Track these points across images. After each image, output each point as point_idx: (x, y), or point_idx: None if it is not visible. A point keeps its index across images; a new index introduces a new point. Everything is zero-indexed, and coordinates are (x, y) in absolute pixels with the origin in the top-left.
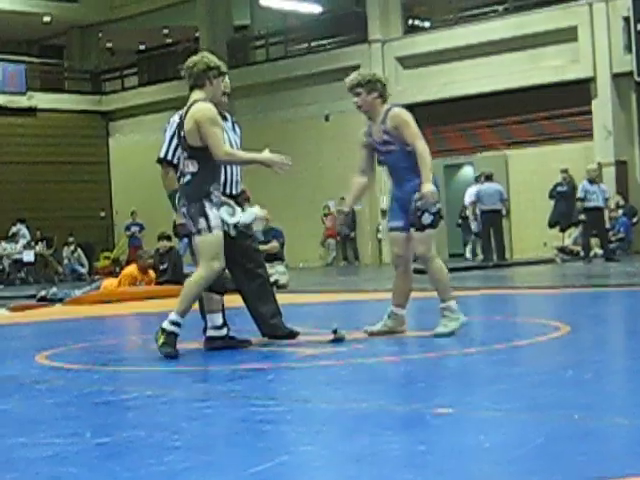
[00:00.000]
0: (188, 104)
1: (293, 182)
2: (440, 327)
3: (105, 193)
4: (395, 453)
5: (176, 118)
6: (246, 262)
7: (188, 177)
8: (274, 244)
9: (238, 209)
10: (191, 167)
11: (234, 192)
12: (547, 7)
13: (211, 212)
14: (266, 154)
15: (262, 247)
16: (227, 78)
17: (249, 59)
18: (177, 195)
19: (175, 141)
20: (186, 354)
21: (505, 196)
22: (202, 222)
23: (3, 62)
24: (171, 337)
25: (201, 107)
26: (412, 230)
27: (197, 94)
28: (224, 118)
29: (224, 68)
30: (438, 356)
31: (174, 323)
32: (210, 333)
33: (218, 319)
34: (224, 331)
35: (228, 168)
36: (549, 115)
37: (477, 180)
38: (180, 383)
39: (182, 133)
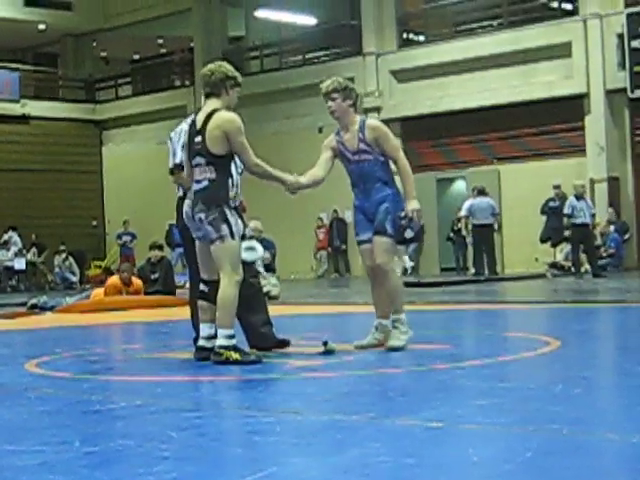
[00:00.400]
0: (206, 112)
1: (286, 194)
2: (393, 340)
3: (97, 202)
4: (384, 466)
5: (184, 126)
6: None
7: (205, 183)
8: (265, 255)
9: (241, 225)
10: (209, 174)
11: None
12: (541, 23)
13: (232, 218)
14: (289, 177)
15: None
16: None
17: (243, 70)
18: (190, 200)
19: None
20: (176, 364)
21: (497, 211)
22: (225, 228)
23: None
24: (238, 348)
25: (228, 117)
26: (375, 238)
27: (214, 103)
28: None
29: (240, 79)
30: (428, 369)
31: (230, 337)
32: (201, 343)
33: (210, 329)
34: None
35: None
36: (542, 130)
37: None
38: (170, 393)
39: (197, 139)
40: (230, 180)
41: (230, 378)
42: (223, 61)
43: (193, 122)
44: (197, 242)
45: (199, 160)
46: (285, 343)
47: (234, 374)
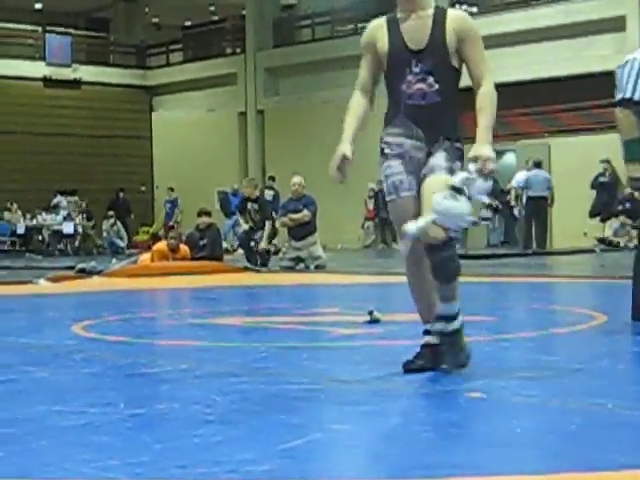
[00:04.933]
0: None
1: None
2: None
3: (146, 168)
4: (426, 435)
5: (637, 55)
6: None
7: None
8: (305, 213)
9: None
10: None
11: None
12: None
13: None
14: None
15: (292, 216)
16: None
17: (295, 38)
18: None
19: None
20: (222, 330)
21: (552, 184)
22: None
23: (49, 34)
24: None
25: None
26: None
27: None
28: None
29: None
30: (474, 341)
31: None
32: None
33: None
34: None
35: None
36: (594, 104)
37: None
38: (215, 358)
39: None
40: None
41: (276, 345)
42: (274, 28)
43: None
44: None
45: None
46: None
47: (279, 341)
